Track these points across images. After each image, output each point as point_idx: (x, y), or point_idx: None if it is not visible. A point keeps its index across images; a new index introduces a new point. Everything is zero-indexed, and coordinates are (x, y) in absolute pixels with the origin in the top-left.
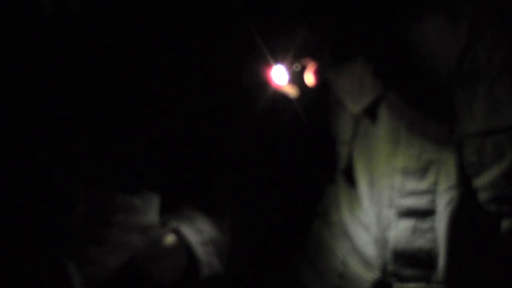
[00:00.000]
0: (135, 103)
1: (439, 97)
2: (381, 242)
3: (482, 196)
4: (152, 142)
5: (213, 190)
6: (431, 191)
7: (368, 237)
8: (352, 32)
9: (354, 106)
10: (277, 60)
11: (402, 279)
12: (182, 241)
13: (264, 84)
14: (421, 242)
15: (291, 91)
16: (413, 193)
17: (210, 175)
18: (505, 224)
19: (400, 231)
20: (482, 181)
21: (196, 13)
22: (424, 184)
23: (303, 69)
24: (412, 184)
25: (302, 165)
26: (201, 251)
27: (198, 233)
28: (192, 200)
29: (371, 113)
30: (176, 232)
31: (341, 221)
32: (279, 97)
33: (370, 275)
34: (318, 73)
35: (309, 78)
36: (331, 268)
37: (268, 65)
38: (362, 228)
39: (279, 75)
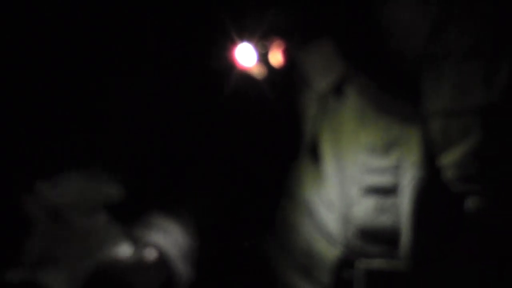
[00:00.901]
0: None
1: (407, 76)
2: (345, 219)
3: (447, 175)
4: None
5: (177, 182)
6: (395, 168)
7: (332, 214)
8: (321, 10)
9: (320, 83)
10: (243, 39)
11: (366, 256)
12: (163, 257)
13: (230, 64)
14: (384, 219)
15: (258, 71)
16: (377, 170)
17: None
18: (471, 203)
19: (364, 208)
20: (447, 159)
21: None
22: (387, 161)
23: (269, 48)
24: (375, 161)
25: (269, 145)
26: (181, 267)
27: (176, 247)
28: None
29: (337, 91)
30: (156, 247)
31: (305, 198)
32: (246, 77)
33: (334, 252)
34: (286, 53)
35: (276, 58)
36: (297, 247)
37: (234, 44)
38: (326, 205)
39: (245, 55)
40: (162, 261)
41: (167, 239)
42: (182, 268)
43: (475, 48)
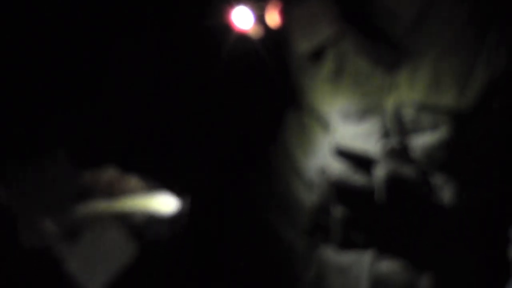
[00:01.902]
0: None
1: (390, 52)
2: (321, 170)
3: (417, 155)
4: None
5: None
6: (368, 136)
7: (311, 163)
8: None
9: (304, 43)
10: (239, 2)
11: (341, 204)
12: None
13: (227, 27)
14: (357, 180)
15: (255, 32)
16: (350, 135)
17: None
18: (444, 195)
19: (338, 168)
20: (417, 141)
21: None
22: (361, 128)
23: (265, 9)
24: (349, 126)
25: (261, 96)
26: None
27: None
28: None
29: (318, 52)
30: None
31: (288, 145)
32: (243, 39)
33: (311, 199)
34: (282, 13)
35: (273, 19)
36: (278, 190)
37: (231, 7)
38: (306, 155)
39: (242, 17)
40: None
41: None
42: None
43: (454, 46)
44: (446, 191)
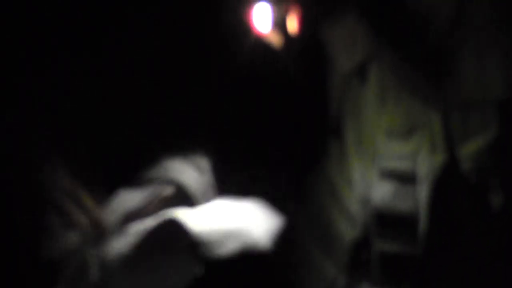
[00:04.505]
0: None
1: (430, 59)
2: (364, 200)
3: (466, 166)
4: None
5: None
6: (414, 154)
7: (353, 195)
8: None
9: (344, 64)
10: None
11: (383, 238)
12: (182, 191)
13: (245, 28)
14: (402, 204)
15: (274, 38)
16: (396, 155)
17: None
18: (492, 201)
19: (382, 192)
20: (466, 150)
21: None
22: (407, 147)
23: (286, 14)
24: (396, 146)
25: (289, 122)
26: (200, 198)
27: (193, 182)
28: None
29: (360, 71)
30: (174, 183)
31: (328, 176)
32: (262, 43)
33: (352, 232)
34: (303, 21)
35: (293, 25)
36: (319, 223)
37: (250, 7)
38: (347, 185)
39: (261, 20)
40: (182, 195)
41: (184, 175)
42: (201, 200)
43: (496, 40)
44: (489, 197)
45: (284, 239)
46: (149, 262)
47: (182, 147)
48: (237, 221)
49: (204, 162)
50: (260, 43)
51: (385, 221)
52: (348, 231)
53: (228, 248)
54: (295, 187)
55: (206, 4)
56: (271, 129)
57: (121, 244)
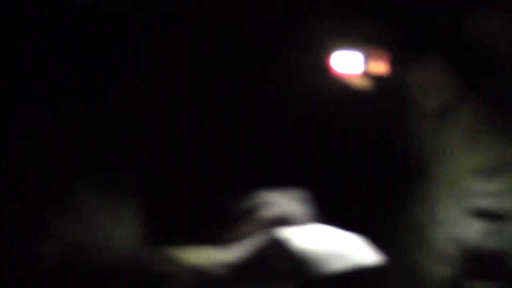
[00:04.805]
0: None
1: None
2: (453, 240)
3: None
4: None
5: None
6: (503, 193)
7: (441, 235)
8: (422, 23)
9: (429, 105)
10: (343, 48)
11: (474, 277)
12: None
13: (326, 72)
14: (493, 244)
15: (358, 81)
16: (487, 194)
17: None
18: None
19: (472, 231)
20: None
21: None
22: (498, 186)
23: (369, 58)
24: (486, 184)
25: (370, 162)
26: None
27: None
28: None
29: (447, 112)
30: None
31: (412, 215)
32: (345, 87)
33: (441, 271)
34: (386, 64)
35: (376, 68)
36: (405, 264)
37: (332, 51)
38: (434, 224)
39: (345, 63)
40: (282, 220)
41: (284, 204)
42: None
43: None
44: None
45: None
46: (253, 278)
47: (283, 183)
48: (340, 243)
49: (304, 196)
50: (345, 85)
51: (477, 259)
52: (435, 270)
53: (334, 266)
54: (377, 227)
55: (295, 51)
56: (355, 170)
57: (227, 256)
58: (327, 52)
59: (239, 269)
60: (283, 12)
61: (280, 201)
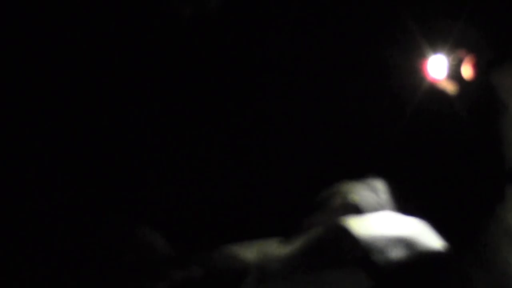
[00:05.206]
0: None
1: None
2: None
3: None
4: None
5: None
6: None
7: None
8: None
9: None
10: (433, 51)
11: None
12: None
13: (420, 77)
14: None
15: (449, 86)
16: None
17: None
18: None
19: None
20: None
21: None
22: None
23: (460, 62)
24: None
25: (462, 165)
26: None
27: None
28: None
29: None
30: None
31: (505, 219)
32: (436, 92)
33: None
34: (477, 67)
35: (467, 72)
36: (496, 267)
37: (425, 56)
38: None
39: (436, 68)
40: (352, 208)
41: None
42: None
43: None
44: None
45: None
46: (314, 269)
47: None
48: (406, 229)
49: (380, 185)
50: (435, 90)
51: None
52: None
53: (400, 254)
54: (468, 231)
55: (385, 56)
56: (444, 173)
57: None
58: (421, 55)
59: (296, 260)
60: (378, 13)
61: (355, 191)
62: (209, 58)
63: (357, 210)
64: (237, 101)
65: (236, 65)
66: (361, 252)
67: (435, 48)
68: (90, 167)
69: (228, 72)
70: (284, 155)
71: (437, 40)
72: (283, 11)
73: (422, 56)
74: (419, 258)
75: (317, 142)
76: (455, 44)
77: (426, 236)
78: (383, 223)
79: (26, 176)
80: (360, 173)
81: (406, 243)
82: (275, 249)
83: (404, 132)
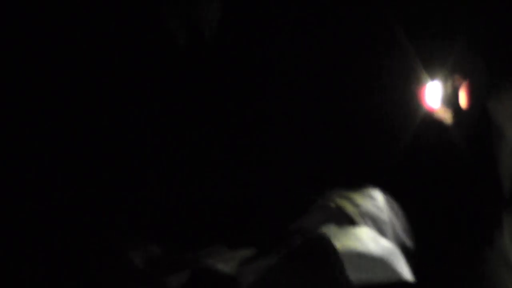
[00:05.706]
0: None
1: None
2: None
3: None
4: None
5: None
6: None
7: None
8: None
9: None
10: (430, 78)
11: None
12: None
13: (416, 104)
14: None
15: (445, 114)
16: None
17: None
18: None
19: None
20: None
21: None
22: None
23: (456, 89)
24: None
25: (459, 193)
26: None
27: None
28: None
29: None
30: None
31: (503, 250)
32: (432, 120)
33: None
34: (473, 94)
35: (463, 99)
36: None
37: (420, 83)
38: None
39: (432, 95)
40: (342, 215)
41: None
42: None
43: None
44: None
45: None
46: (296, 274)
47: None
48: (382, 251)
49: (378, 195)
50: (430, 118)
51: None
52: None
53: (370, 274)
54: (465, 259)
55: (379, 85)
56: (442, 201)
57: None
58: (418, 82)
59: (274, 272)
60: (375, 39)
61: (352, 198)
62: (209, 58)
63: (349, 219)
64: (237, 101)
65: (236, 65)
66: (338, 266)
67: (431, 74)
68: (90, 167)
69: (228, 72)
70: (281, 158)
71: (434, 66)
72: (283, 12)
73: (419, 83)
74: (388, 281)
75: (317, 144)
76: (451, 70)
77: (399, 263)
78: (364, 240)
79: (26, 176)
80: (358, 182)
81: (381, 265)
82: (253, 260)
83: (401, 159)
